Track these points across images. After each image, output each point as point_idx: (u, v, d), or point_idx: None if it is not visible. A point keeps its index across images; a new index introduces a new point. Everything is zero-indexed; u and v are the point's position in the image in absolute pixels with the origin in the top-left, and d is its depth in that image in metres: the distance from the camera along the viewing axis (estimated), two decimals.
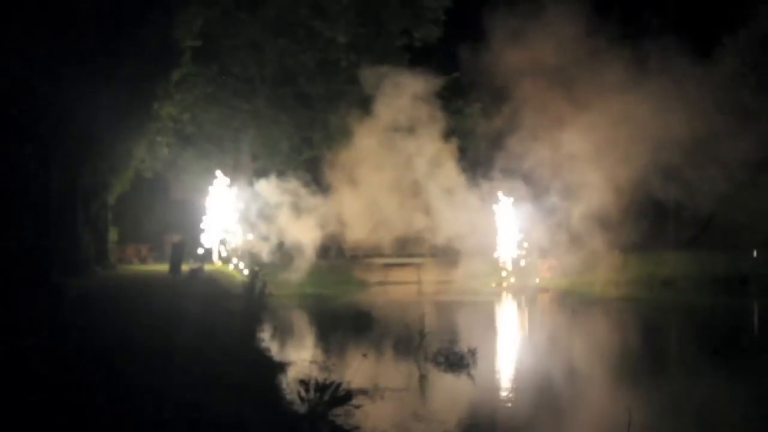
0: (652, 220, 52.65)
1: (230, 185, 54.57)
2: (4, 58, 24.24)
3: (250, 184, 55.61)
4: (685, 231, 52.45)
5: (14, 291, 23.23)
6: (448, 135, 56.20)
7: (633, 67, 50.50)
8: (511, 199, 56.56)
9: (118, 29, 30.23)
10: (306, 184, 55.17)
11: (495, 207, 56.90)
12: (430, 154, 55.54)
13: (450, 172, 55.18)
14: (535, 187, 54.78)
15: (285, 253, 54.74)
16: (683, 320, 40.72)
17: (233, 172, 56.04)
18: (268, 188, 54.37)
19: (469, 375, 23.95)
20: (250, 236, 54.74)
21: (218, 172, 54.47)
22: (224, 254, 54.27)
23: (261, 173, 57.72)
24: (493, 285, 56.16)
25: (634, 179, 51.49)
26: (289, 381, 20.75)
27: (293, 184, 54.77)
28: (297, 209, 54.35)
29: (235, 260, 53.66)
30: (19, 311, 21.06)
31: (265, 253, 53.61)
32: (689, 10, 56.82)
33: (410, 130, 56.14)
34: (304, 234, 54.45)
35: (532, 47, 52.57)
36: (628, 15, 53.96)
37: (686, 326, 38.80)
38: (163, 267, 45.09)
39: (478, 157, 57.78)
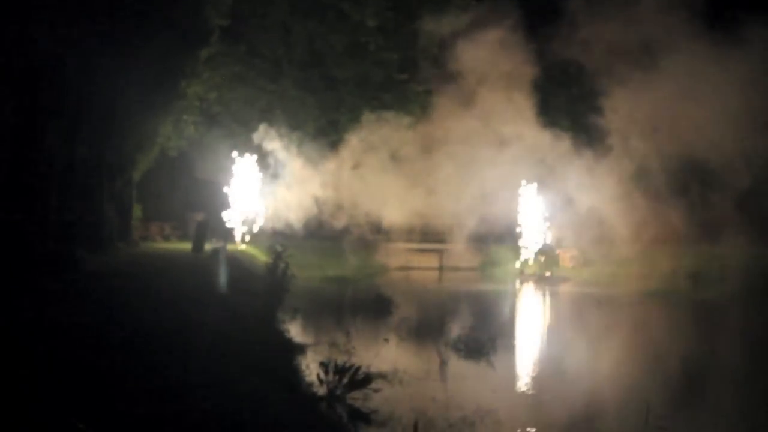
0: (680, 211, 52.14)
1: (257, 162, 54.72)
2: (34, 34, 24.30)
3: (275, 164, 55.70)
4: (715, 224, 51.70)
5: (38, 266, 23.32)
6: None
7: (679, 48, 50.23)
8: (536, 186, 56.42)
9: (147, 6, 30.25)
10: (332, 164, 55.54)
11: (519, 194, 56.74)
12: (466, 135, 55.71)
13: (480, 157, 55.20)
14: (562, 175, 54.65)
15: (309, 234, 54.93)
16: (707, 317, 40.33)
17: (258, 151, 55.98)
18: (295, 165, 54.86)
19: (489, 362, 23.93)
20: (275, 217, 54.87)
21: (243, 151, 54.50)
22: (247, 234, 54.34)
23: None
24: (515, 273, 56.11)
25: (665, 171, 51.43)
26: (308, 363, 20.78)
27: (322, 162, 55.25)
28: (323, 189, 54.66)
29: (259, 239, 53.82)
30: (41, 286, 21.15)
31: (287, 233, 53.75)
32: None
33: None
34: (329, 216, 54.69)
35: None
36: None
37: (710, 323, 38.39)
38: (186, 245, 45.24)
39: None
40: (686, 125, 49.97)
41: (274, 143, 55.04)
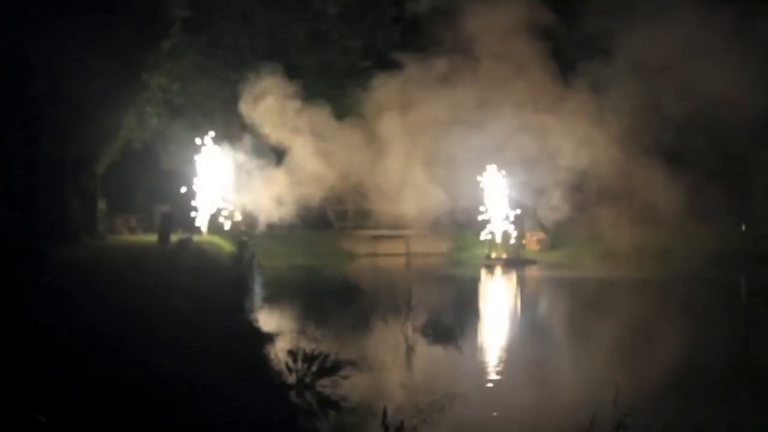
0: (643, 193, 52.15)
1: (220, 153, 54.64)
2: None
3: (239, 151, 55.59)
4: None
5: (1, 261, 23.18)
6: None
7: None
8: (501, 170, 56.34)
9: None
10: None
11: (484, 177, 56.68)
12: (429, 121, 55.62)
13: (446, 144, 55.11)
14: (526, 158, 54.63)
15: (273, 224, 54.96)
16: (669, 296, 40.48)
17: (222, 141, 55.82)
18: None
19: (457, 347, 24.04)
20: (240, 206, 54.89)
21: (208, 140, 54.34)
22: (214, 224, 54.26)
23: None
24: (482, 257, 56.18)
25: (630, 152, 51.48)
26: (277, 351, 20.80)
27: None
28: (289, 176, 54.67)
29: (225, 229, 53.80)
30: (4, 280, 21.05)
31: (253, 222, 53.80)
32: None
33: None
34: (293, 204, 54.70)
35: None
36: None
37: (670, 302, 38.52)
38: (152, 237, 45.03)
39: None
40: (693, 81, 48.76)
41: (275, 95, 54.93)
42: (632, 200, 52.25)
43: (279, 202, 54.70)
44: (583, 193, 54.07)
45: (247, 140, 55.87)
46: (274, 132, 55.25)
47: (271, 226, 55.09)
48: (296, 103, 55.51)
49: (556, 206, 54.46)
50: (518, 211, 56.78)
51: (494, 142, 53.63)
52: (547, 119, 53.47)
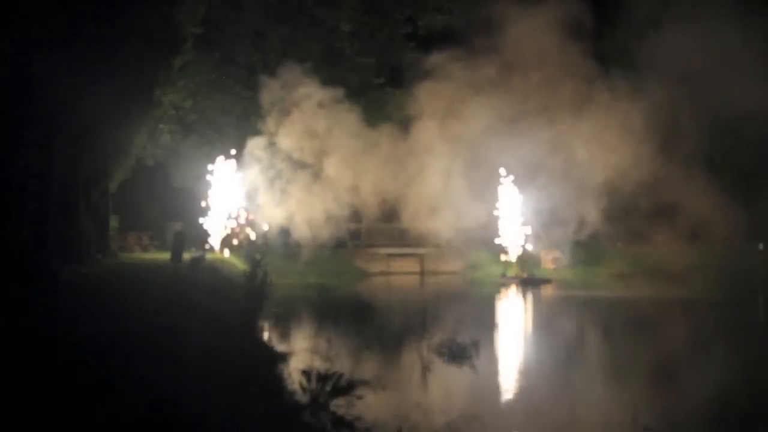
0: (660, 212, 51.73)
1: (234, 170, 54.54)
2: (5, 45, 24.03)
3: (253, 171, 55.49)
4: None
5: (13, 279, 23.02)
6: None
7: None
8: (516, 188, 56.16)
9: (120, 15, 29.98)
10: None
11: (498, 196, 56.48)
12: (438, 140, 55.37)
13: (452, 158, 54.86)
14: (542, 173, 54.35)
15: (287, 241, 54.79)
16: (680, 316, 40.04)
17: (236, 159, 55.77)
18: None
19: (472, 367, 23.75)
20: (252, 224, 54.81)
21: (221, 158, 54.34)
22: (227, 242, 54.18)
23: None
24: (497, 276, 55.92)
25: (648, 171, 51.02)
26: (290, 371, 20.57)
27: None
28: (301, 194, 54.46)
29: (237, 248, 53.66)
30: (17, 298, 20.87)
31: (266, 240, 53.64)
32: None
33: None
34: (306, 222, 54.50)
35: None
36: None
37: (681, 323, 38.07)
38: (165, 255, 44.97)
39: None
40: (728, 91, 47.82)
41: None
42: (659, 217, 51.72)
43: (293, 219, 54.53)
44: (609, 211, 53.61)
45: (261, 156, 55.71)
46: (290, 146, 55.10)
47: (284, 244, 54.89)
48: (318, 116, 55.35)
49: (580, 223, 54.07)
50: (533, 229, 56.56)
51: (515, 158, 53.46)
52: (573, 132, 53.10)
